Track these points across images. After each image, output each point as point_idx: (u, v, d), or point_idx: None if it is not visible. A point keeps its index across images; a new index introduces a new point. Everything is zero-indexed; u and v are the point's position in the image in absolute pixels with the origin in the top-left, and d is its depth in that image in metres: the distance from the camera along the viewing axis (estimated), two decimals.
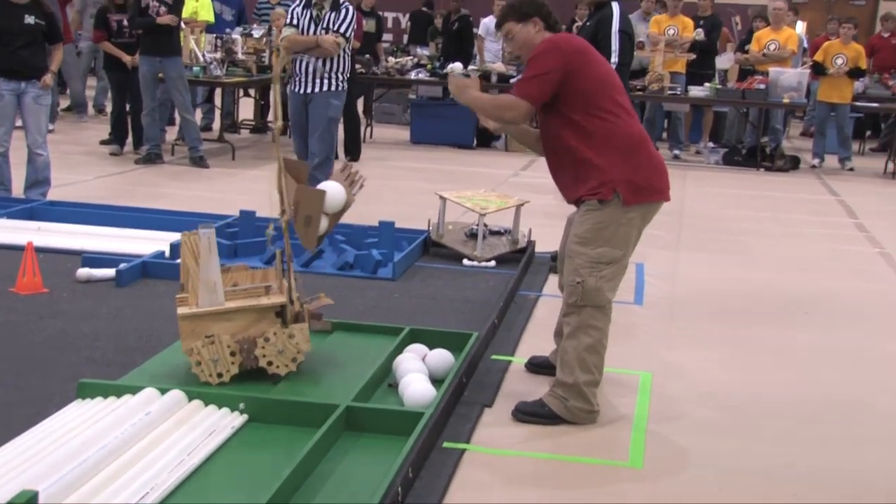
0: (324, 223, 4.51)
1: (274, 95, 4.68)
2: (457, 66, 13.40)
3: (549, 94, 4.14)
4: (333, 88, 7.79)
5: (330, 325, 4.83)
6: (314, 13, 7.68)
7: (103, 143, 11.26)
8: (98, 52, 13.12)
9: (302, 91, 7.81)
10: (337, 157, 8.76)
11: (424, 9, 18.16)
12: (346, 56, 7.87)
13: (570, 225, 4.50)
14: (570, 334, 4.24)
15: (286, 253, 4.52)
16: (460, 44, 14.84)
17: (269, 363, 4.37)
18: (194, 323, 4.28)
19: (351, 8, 7.89)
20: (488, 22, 14.96)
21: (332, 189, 4.55)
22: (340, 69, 7.78)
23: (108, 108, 12.23)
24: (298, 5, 7.78)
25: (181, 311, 4.30)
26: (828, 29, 15.81)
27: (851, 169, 13.14)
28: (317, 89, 7.75)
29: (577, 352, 4.20)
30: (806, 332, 5.87)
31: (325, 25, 7.65)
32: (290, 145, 11.96)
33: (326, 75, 7.71)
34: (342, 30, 7.68)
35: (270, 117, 13.59)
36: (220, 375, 4.31)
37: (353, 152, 11.40)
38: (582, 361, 4.19)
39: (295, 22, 7.72)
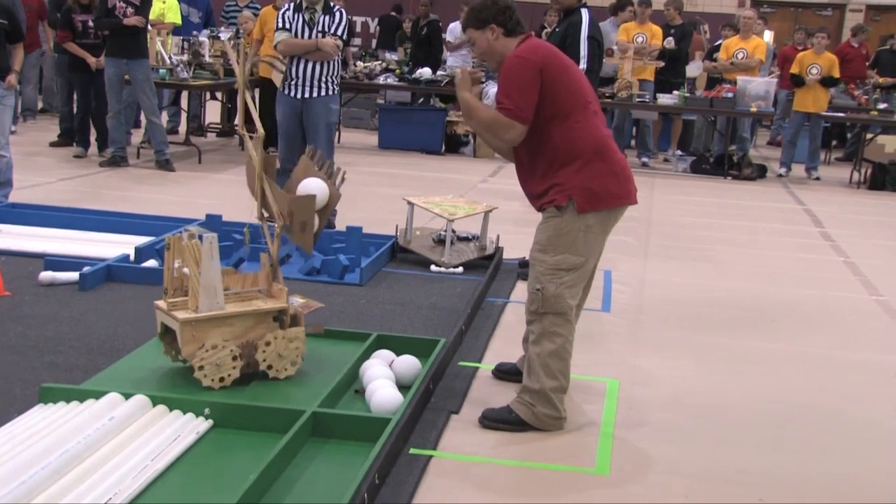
0: (315, 222, 4.53)
1: (243, 100, 4.64)
2: (425, 71, 13.41)
3: (532, 108, 4.11)
4: (331, 93, 7.69)
5: (322, 329, 4.82)
6: (306, 17, 7.59)
7: (53, 144, 11.15)
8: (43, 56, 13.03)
9: (298, 96, 7.65)
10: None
11: (393, 13, 18.16)
12: (338, 60, 7.81)
13: None
14: (533, 341, 4.24)
15: (271, 255, 4.53)
16: (429, 49, 14.86)
17: (270, 367, 4.39)
18: (195, 328, 4.25)
19: (343, 10, 7.83)
20: (454, 27, 14.99)
21: (319, 189, 4.55)
22: (335, 73, 7.72)
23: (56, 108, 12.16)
24: (288, 9, 7.68)
25: (181, 315, 4.25)
26: (794, 39, 15.95)
27: (818, 178, 13.25)
28: (315, 94, 7.63)
29: (542, 358, 4.20)
30: (772, 339, 5.89)
31: (320, 29, 7.56)
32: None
33: (324, 79, 7.60)
34: (339, 32, 7.60)
35: (237, 121, 13.54)
36: (221, 380, 4.30)
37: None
38: (546, 367, 4.19)
39: (287, 26, 7.60)
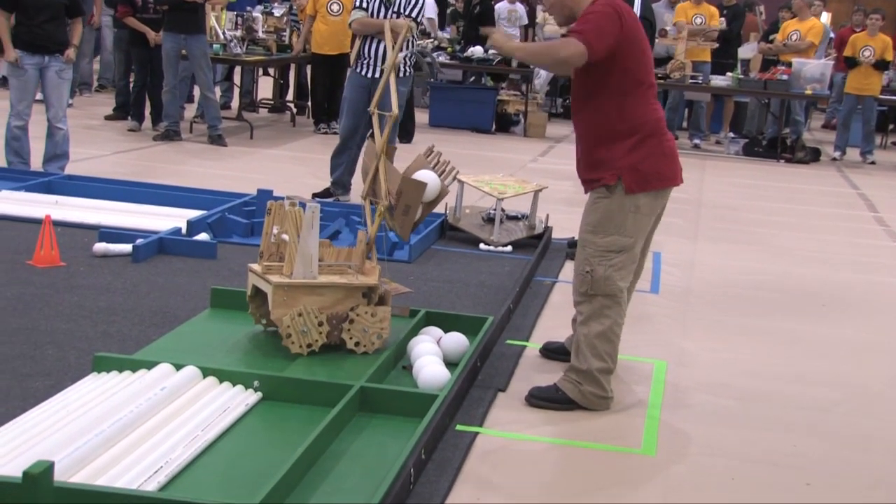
0: (418, 212, 4.60)
1: (385, 82, 4.76)
2: (477, 50, 13.38)
3: (604, 51, 4.00)
4: (401, 74, 7.62)
5: (408, 311, 4.87)
6: None
7: (108, 118, 11.27)
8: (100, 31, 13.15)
9: (368, 74, 7.61)
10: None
11: None
12: (413, 42, 7.73)
13: None
14: (582, 322, 4.24)
15: (370, 235, 4.62)
16: (482, 27, 14.80)
17: (357, 343, 4.47)
18: (287, 293, 4.34)
19: None
20: (500, 8, 14.96)
21: (431, 180, 4.62)
22: (408, 55, 7.67)
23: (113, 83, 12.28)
24: None
25: (275, 279, 4.35)
26: (853, 20, 15.70)
27: (873, 162, 13.07)
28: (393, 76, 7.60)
29: (589, 339, 4.19)
30: (822, 324, 5.85)
31: (395, 9, 7.52)
32: (310, 125, 12.05)
33: (400, 62, 7.57)
34: (413, 14, 7.54)
35: (290, 97, 13.61)
36: (308, 346, 4.39)
37: (409, 134, 11.39)
38: (594, 349, 4.18)
39: (364, 5, 7.56)
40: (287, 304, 4.35)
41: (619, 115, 4.12)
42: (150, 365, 4.02)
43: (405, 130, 11.15)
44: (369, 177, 4.74)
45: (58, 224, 5.95)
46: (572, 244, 6.70)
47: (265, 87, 14.15)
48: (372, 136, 5.03)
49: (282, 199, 4.57)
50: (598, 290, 4.16)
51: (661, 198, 4.26)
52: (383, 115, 4.74)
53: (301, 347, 4.39)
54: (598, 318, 4.19)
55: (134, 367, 4.03)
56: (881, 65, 12.92)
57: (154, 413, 3.63)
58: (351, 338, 4.48)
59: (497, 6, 15.07)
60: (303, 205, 4.43)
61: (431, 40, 13.19)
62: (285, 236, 4.45)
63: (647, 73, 4.20)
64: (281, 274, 4.42)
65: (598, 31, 3.99)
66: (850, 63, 12.98)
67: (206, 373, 4.01)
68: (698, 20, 13.10)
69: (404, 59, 7.57)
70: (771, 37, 13.66)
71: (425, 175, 4.64)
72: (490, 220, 7.03)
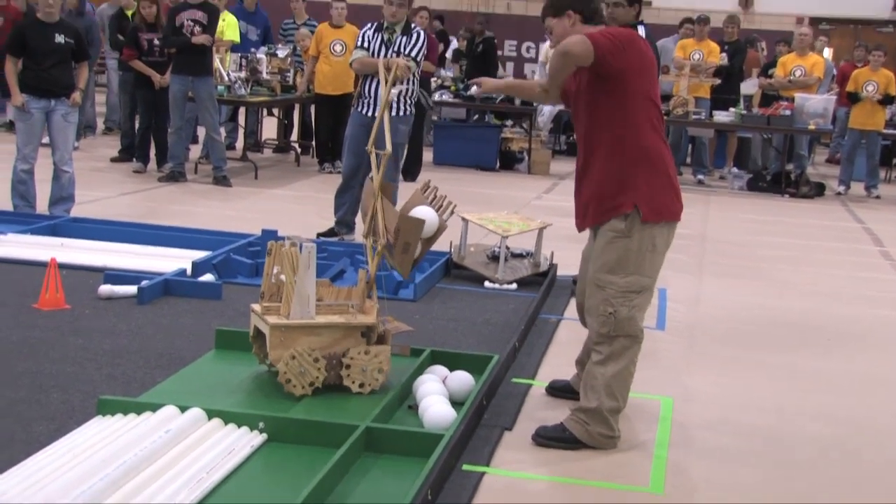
0: (418, 249, 4.60)
1: (380, 118, 4.77)
2: None
3: (609, 61, 3.98)
4: (402, 113, 7.66)
5: (409, 350, 4.84)
6: (385, 37, 7.61)
7: (114, 160, 11.31)
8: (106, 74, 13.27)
9: (369, 113, 7.66)
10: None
11: (441, 27, 18.21)
12: (414, 81, 7.79)
13: (585, 260, 4.49)
14: (599, 361, 4.20)
15: (370, 274, 4.61)
16: (484, 66, 14.87)
17: (361, 384, 4.47)
18: (284, 334, 4.35)
19: (422, 32, 7.82)
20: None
21: (429, 217, 4.62)
22: (409, 94, 7.71)
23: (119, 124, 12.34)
24: (370, 28, 7.71)
25: (272, 320, 4.35)
26: (854, 56, 15.76)
27: (878, 196, 13.07)
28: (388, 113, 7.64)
29: (605, 378, 4.16)
30: (829, 359, 5.82)
31: (395, 49, 7.58)
32: (314, 165, 12.09)
33: (394, 100, 7.62)
34: (413, 54, 7.60)
35: (294, 137, 13.66)
36: (311, 384, 4.39)
37: (413, 173, 11.43)
38: (608, 388, 4.16)
39: (366, 45, 7.63)
40: (284, 345, 4.34)
41: (635, 145, 4.12)
42: (154, 407, 4.01)
43: (408, 169, 11.18)
44: (368, 215, 4.74)
45: (63, 267, 5.96)
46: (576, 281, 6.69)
47: (269, 128, 14.20)
48: (356, 174, 5.06)
49: (283, 239, 4.58)
50: (621, 330, 4.15)
51: (671, 233, 4.26)
52: (384, 154, 4.75)
53: (304, 388, 4.38)
54: (618, 358, 4.17)
55: (139, 409, 4.02)
56: (886, 100, 12.96)
57: (159, 456, 3.61)
58: (353, 381, 4.47)
59: (544, 46, 15.07)
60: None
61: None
62: (283, 277, 4.46)
63: (655, 99, 4.21)
64: (278, 315, 4.41)
65: (609, 39, 4.00)
66: (852, 98, 13.02)
67: (211, 415, 4.00)
68: (696, 56, 13.15)
69: (404, 97, 7.61)
70: (770, 71, 13.70)
71: (423, 211, 4.63)
72: (495, 257, 7.03)
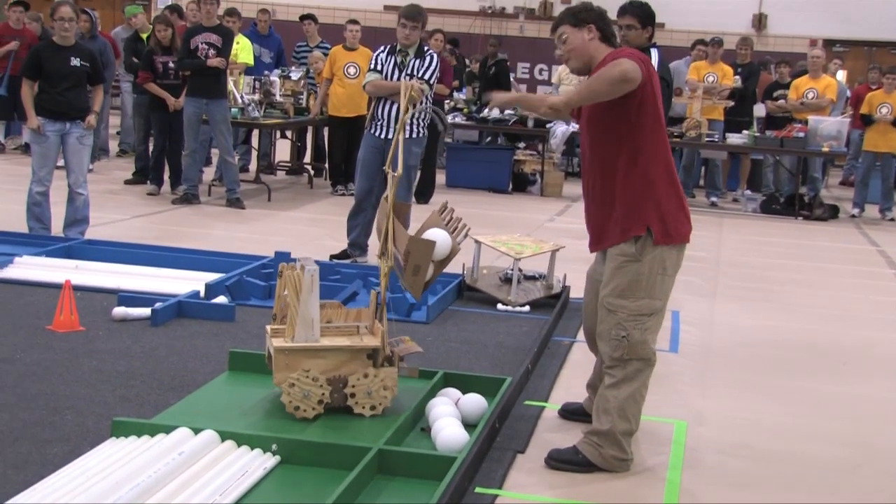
0: (430, 272, 4.57)
1: (396, 141, 4.78)
2: (494, 110, 13.46)
3: (638, 78, 3.94)
4: (414, 136, 7.69)
5: (417, 372, 4.80)
6: (398, 59, 7.66)
7: (128, 182, 11.36)
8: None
9: (382, 135, 7.69)
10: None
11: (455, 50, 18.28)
12: (427, 103, 7.82)
13: (591, 280, 4.48)
14: (612, 385, 4.20)
15: (381, 296, 4.61)
16: (497, 87, 14.91)
17: (372, 407, 4.46)
18: (288, 357, 4.36)
19: (435, 55, 7.86)
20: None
21: (441, 239, 4.58)
22: (422, 116, 7.74)
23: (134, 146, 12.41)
24: (383, 51, 7.76)
25: (277, 343, 4.37)
26: (868, 78, 15.75)
27: (892, 219, 13.03)
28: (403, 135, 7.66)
29: (619, 401, 4.16)
30: (844, 383, 5.80)
31: (409, 72, 7.62)
32: (327, 187, 12.12)
33: (408, 122, 7.63)
34: (426, 77, 7.64)
35: (307, 159, 13.71)
36: (319, 402, 4.39)
37: (426, 195, 11.46)
38: (622, 411, 4.16)
39: (379, 67, 7.68)
40: (289, 368, 4.35)
41: (648, 167, 4.12)
42: (168, 429, 4.02)
43: (421, 191, 11.21)
44: (382, 236, 4.75)
45: (77, 289, 5.98)
46: None
47: (283, 150, 14.26)
48: (368, 196, 5.06)
49: (295, 261, 4.59)
50: (634, 354, 4.15)
51: (681, 255, 4.26)
52: (394, 175, 4.76)
53: (314, 409, 4.38)
54: (631, 381, 4.17)
55: (152, 431, 4.03)
56: None
57: (172, 478, 3.62)
58: (363, 407, 4.47)
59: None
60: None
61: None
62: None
63: (662, 121, 4.21)
64: (283, 338, 4.42)
65: (641, 62, 3.98)
66: (866, 121, 13.01)
67: (224, 437, 4.01)
68: (710, 78, 13.18)
69: (417, 119, 7.64)
70: (776, 93, 13.69)
71: (435, 234, 4.60)
72: (508, 280, 7.03)
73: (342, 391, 4.45)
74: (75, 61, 7.87)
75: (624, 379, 4.17)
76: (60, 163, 8.12)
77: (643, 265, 4.11)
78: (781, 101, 13.41)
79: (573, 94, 4.14)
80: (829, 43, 20.44)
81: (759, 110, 14.37)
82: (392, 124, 7.62)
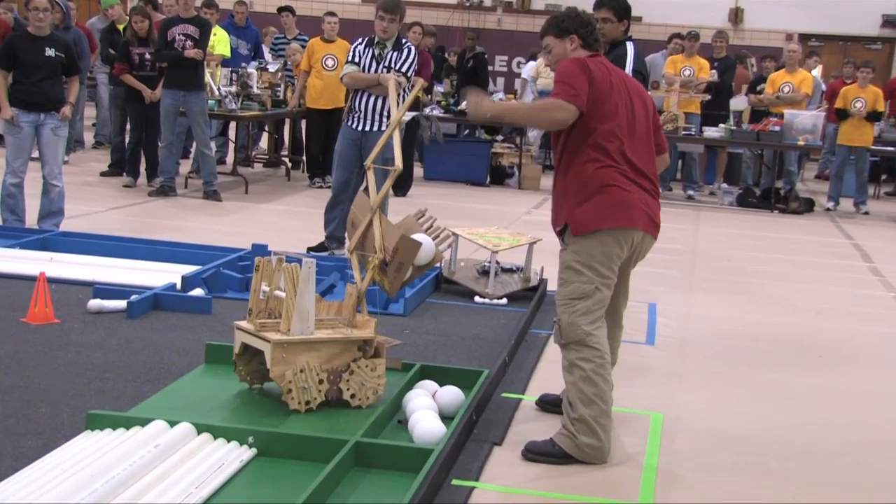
0: (408, 272, 4.62)
1: (388, 137, 4.81)
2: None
3: (585, 101, 4.14)
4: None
5: (400, 363, 4.85)
6: (376, 52, 7.64)
7: (104, 174, 11.30)
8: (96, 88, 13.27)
9: (358, 128, 7.68)
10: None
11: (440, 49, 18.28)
12: (405, 96, 7.80)
13: None
14: (565, 370, 4.29)
15: (360, 289, 4.62)
16: (475, 81, 14.88)
17: (353, 395, 4.48)
18: (286, 350, 4.34)
19: (413, 48, 7.85)
20: (528, 68, 15.20)
21: (427, 244, 4.66)
22: (430, 122, 7.72)
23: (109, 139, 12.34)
24: (360, 43, 7.74)
25: (274, 337, 4.34)
26: (843, 72, 15.84)
27: (867, 213, 13.12)
28: (374, 127, 7.63)
29: (576, 386, 4.21)
30: (819, 375, 5.83)
31: (386, 64, 7.61)
32: (305, 180, 12.09)
33: (386, 114, 7.62)
34: (404, 69, 7.63)
35: (285, 151, 13.67)
36: (307, 403, 4.38)
37: (403, 188, 11.44)
38: (581, 394, 4.19)
39: (357, 59, 7.66)
40: (286, 361, 4.34)
41: (573, 174, 4.26)
42: (143, 422, 4.00)
43: (399, 184, 11.19)
44: (359, 230, 4.74)
45: (52, 281, 5.95)
46: None
47: (260, 142, 14.20)
48: (366, 189, 5.03)
49: (270, 255, 4.58)
50: (567, 337, 4.22)
51: (614, 241, 4.24)
52: (384, 169, 4.76)
53: (300, 404, 4.37)
54: (577, 364, 4.21)
55: (128, 424, 4.01)
56: (873, 116, 13.03)
57: (148, 471, 3.60)
58: (348, 389, 4.47)
59: (525, 66, 15.19)
60: (291, 259, 4.43)
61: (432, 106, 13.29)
62: (278, 293, 4.45)
63: (607, 138, 4.22)
64: (278, 331, 4.40)
65: (577, 85, 4.13)
66: (841, 115, 13.09)
67: (200, 429, 3.99)
68: (687, 72, 13.22)
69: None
70: (759, 87, 13.75)
71: (421, 238, 4.67)
72: (485, 272, 7.04)
73: (338, 384, 4.45)
74: (50, 52, 7.81)
75: (571, 363, 4.23)
76: (35, 154, 8.07)
77: (569, 253, 4.26)
78: (763, 96, 13.47)
79: (508, 110, 4.47)
80: (804, 37, 20.54)
81: (736, 104, 14.43)
82: (369, 116, 7.61)
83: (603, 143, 4.22)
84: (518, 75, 17.68)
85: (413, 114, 7.30)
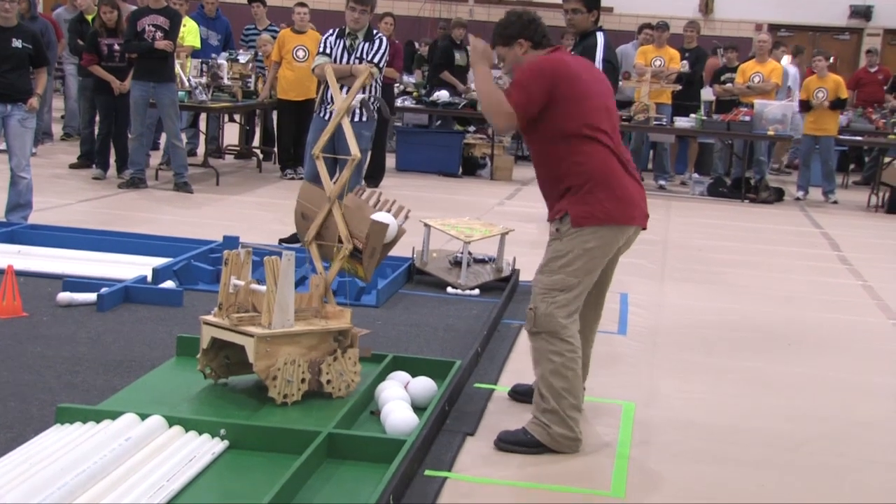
0: (379, 255, 4.63)
1: (335, 126, 4.80)
2: (443, 94, 13.47)
3: (534, 113, 4.16)
4: (364, 119, 7.66)
5: (370, 352, 4.85)
6: (347, 43, 7.61)
7: (73, 166, 11.22)
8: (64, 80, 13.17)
9: (329, 119, 7.66)
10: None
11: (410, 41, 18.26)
12: (377, 86, 7.78)
13: None
14: (535, 361, 4.28)
15: (327, 278, 4.63)
16: (449, 71, 14.89)
17: (329, 381, 4.48)
18: (270, 344, 4.32)
19: (384, 38, 7.83)
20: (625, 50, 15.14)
21: (389, 221, 4.64)
22: (371, 100, 7.70)
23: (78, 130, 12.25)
24: (332, 35, 7.72)
25: (257, 331, 4.31)
26: (812, 64, 15.94)
27: (835, 202, 13.21)
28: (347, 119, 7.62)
29: (545, 379, 4.21)
30: (788, 363, 5.87)
31: (358, 55, 7.58)
32: (277, 171, 12.05)
33: (358, 106, 7.57)
34: (375, 60, 7.60)
35: (256, 143, 13.61)
36: (285, 397, 4.36)
37: (376, 178, 11.40)
38: (551, 388, 4.19)
39: (328, 51, 7.63)
40: (269, 355, 4.32)
41: (567, 164, 4.20)
42: (114, 415, 3.98)
43: (371, 175, 11.16)
44: (317, 221, 4.71)
45: (20, 274, 5.90)
46: None
47: (231, 134, 14.14)
48: (317, 180, 5.01)
49: (240, 247, 4.56)
50: (541, 326, 4.20)
51: (613, 239, 4.26)
52: (340, 158, 4.75)
53: (278, 395, 4.35)
54: (547, 355, 4.20)
55: (98, 417, 3.98)
56: (837, 103, 13.11)
57: (119, 464, 3.58)
58: (338, 389, 4.48)
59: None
60: (263, 252, 4.42)
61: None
62: (255, 286, 4.43)
63: (587, 121, 4.20)
64: (259, 325, 4.38)
65: (527, 94, 4.13)
66: (804, 106, 13.20)
67: (171, 422, 3.97)
68: (657, 62, 13.26)
69: (369, 103, 7.60)
70: (723, 77, 13.81)
71: (383, 216, 4.64)
72: (457, 263, 7.04)
73: (318, 376, 4.45)
74: (17, 42, 7.73)
75: (541, 353, 4.22)
76: (2, 146, 7.99)
77: (563, 243, 4.19)
78: (729, 85, 13.53)
79: (481, 82, 4.33)
80: (774, 27, 20.66)
81: (707, 94, 14.49)
82: (336, 108, 7.57)
83: (586, 128, 4.19)
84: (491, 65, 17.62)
85: (360, 96, 7.27)
